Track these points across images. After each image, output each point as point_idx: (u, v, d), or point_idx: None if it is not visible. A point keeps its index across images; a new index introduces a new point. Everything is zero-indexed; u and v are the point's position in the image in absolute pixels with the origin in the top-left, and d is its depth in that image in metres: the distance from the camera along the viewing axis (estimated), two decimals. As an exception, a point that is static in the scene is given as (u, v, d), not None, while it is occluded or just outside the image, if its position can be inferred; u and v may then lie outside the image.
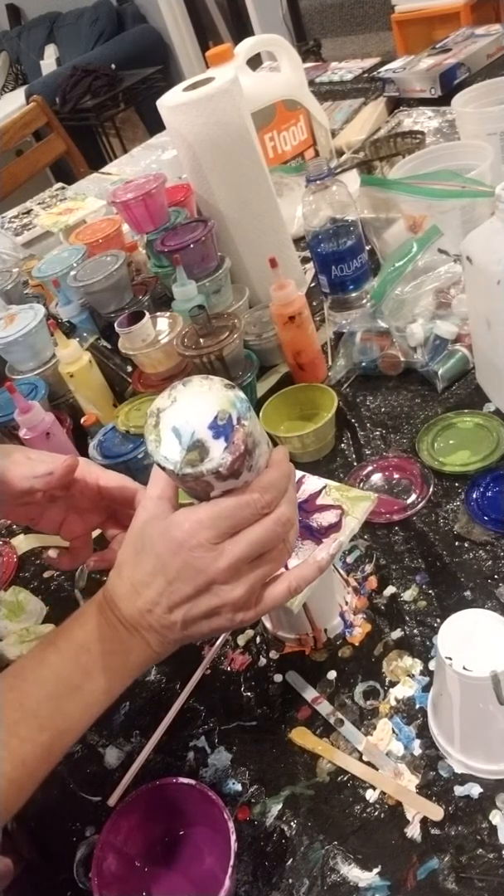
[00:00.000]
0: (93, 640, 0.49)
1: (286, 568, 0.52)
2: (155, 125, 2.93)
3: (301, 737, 0.62)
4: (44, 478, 0.57)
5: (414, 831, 0.54)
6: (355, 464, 0.85)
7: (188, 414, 0.47)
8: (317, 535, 0.64)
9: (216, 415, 0.46)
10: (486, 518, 0.72)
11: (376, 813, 0.56)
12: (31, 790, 0.47)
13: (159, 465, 0.47)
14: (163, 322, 0.95)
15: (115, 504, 0.61)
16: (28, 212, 1.75)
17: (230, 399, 0.47)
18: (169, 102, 0.97)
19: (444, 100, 1.47)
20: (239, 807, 0.60)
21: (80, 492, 0.60)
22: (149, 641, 0.49)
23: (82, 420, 0.94)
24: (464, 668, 0.51)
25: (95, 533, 0.64)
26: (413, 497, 0.78)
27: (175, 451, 0.46)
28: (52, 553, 0.63)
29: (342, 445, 0.89)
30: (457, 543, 0.72)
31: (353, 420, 0.91)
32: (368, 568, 0.73)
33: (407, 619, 0.68)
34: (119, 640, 0.49)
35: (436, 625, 0.66)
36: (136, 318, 0.92)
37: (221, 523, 0.47)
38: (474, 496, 0.75)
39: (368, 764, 0.59)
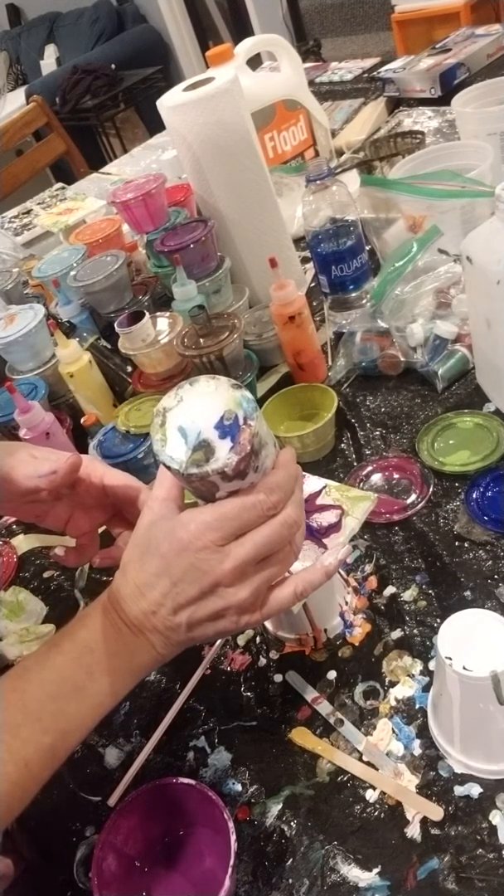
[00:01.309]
0: (97, 640, 0.49)
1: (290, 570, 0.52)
2: (155, 125, 2.93)
3: (301, 737, 0.62)
4: (48, 477, 0.57)
5: (414, 831, 0.54)
6: (355, 464, 0.85)
7: (194, 414, 0.47)
8: (317, 535, 0.64)
9: (222, 415, 0.46)
10: (486, 518, 0.72)
11: (376, 813, 0.56)
12: (35, 791, 0.47)
13: (164, 464, 0.47)
14: (163, 322, 0.95)
15: (119, 502, 0.61)
16: (28, 212, 1.75)
17: (237, 399, 0.47)
18: (169, 102, 0.97)
19: (444, 100, 1.47)
20: (239, 807, 0.60)
21: (85, 489, 0.60)
22: (153, 643, 0.49)
23: (82, 420, 0.94)
24: (464, 668, 0.51)
25: (101, 529, 0.64)
26: (413, 497, 0.78)
27: (181, 451, 0.46)
28: (58, 551, 0.63)
29: (342, 445, 0.89)
30: (457, 543, 0.72)
31: (353, 420, 0.91)
32: (368, 568, 0.73)
33: (407, 619, 0.68)
34: (123, 641, 0.49)
35: (436, 625, 0.66)
36: (136, 318, 0.92)
37: (227, 525, 0.46)
38: (474, 496, 0.75)
39: (368, 764, 0.59)
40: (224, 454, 0.45)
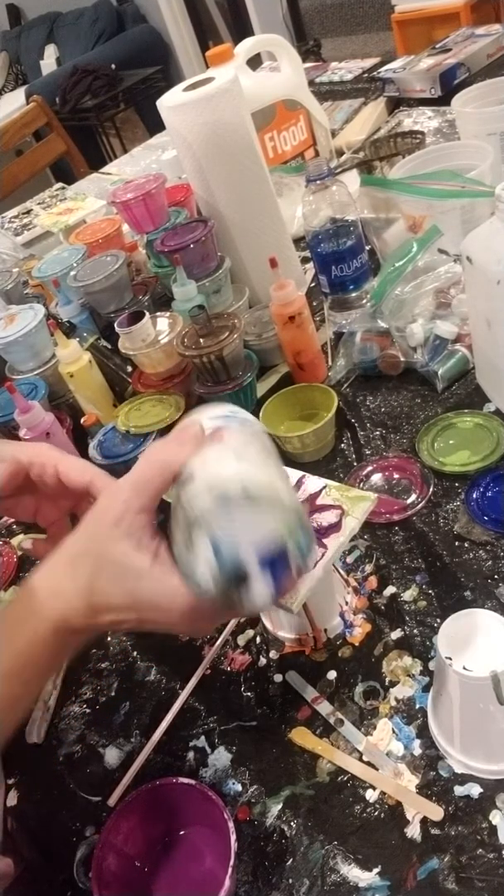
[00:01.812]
0: (38, 654, 0.48)
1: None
2: (155, 125, 2.93)
3: (301, 737, 0.62)
4: None
5: (414, 831, 0.54)
6: (355, 464, 0.85)
7: (236, 524, 0.36)
8: (317, 534, 0.64)
9: (270, 542, 0.36)
10: (486, 518, 0.72)
11: (376, 813, 0.56)
12: None
13: (185, 576, 0.39)
14: (163, 322, 0.95)
15: (77, 490, 0.59)
16: (28, 212, 1.75)
17: (290, 523, 0.36)
18: (169, 102, 0.97)
19: (444, 100, 1.47)
20: (239, 807, 0.60)
21: (41, 481, 0.59)
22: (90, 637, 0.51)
23: (82, 420, 0.94)
24: (464, 668, 0.51)
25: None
26: (413, 497, 0.78)
27: (206, 573, 0.37)
28: (26, 544, 0.63)
29: (342, 445, 0.89)
30: (457, 543, 0.72)
31: (353, 420, 0.91)
32: (368, 568, 0.73)
33: (407, 619, 0.68)
34: (66, 645, 0.49)
35: (436, 625, 0.66)
36: (136, 318, 0.92)
37: (207, 614, 0.46)
38: (474, 496, 0.75)
39: (368, 764, 0.59)
40: (260, 593, 0.37)
